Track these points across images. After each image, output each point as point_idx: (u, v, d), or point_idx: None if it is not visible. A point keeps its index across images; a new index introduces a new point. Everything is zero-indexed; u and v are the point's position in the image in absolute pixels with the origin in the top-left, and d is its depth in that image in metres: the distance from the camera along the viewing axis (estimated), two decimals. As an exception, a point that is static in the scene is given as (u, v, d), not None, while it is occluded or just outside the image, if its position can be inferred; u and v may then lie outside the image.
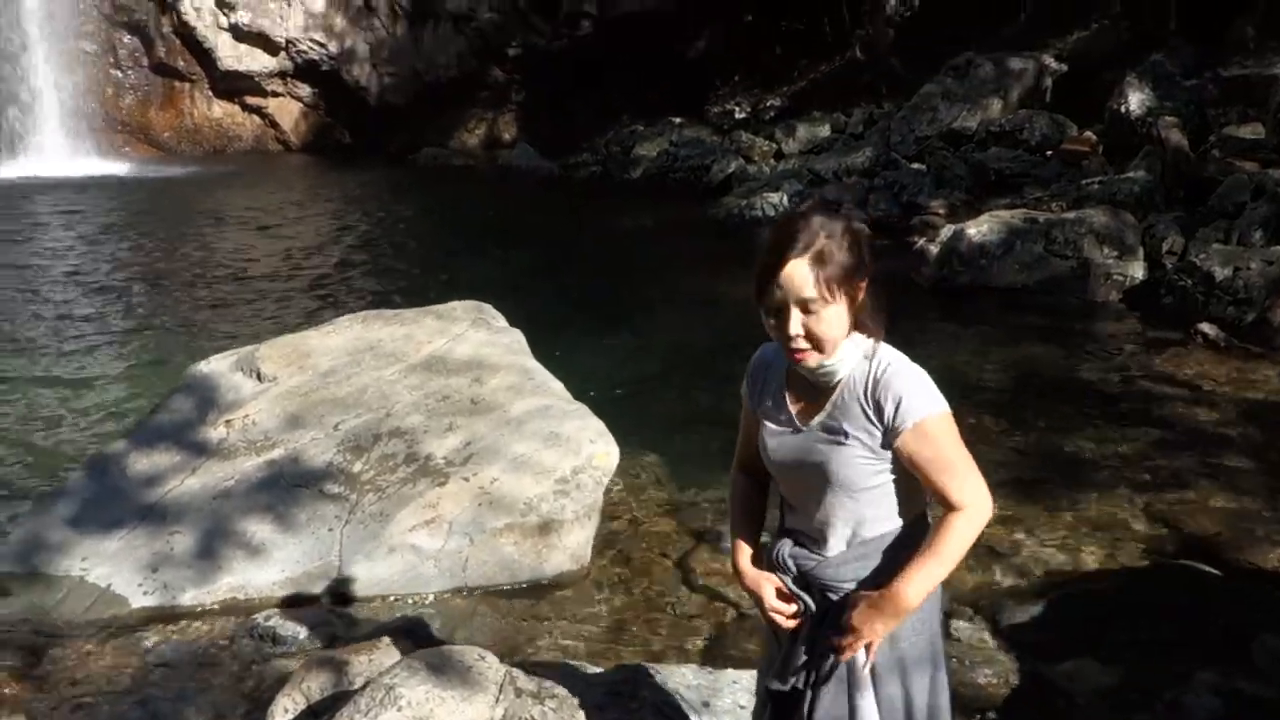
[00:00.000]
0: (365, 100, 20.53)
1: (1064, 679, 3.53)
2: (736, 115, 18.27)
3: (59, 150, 17.84)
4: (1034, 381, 6.65)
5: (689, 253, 10.93)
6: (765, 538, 2.33)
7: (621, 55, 18.82)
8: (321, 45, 20.12)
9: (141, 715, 3.43)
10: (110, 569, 4.20)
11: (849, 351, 2.08)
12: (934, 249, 9.18)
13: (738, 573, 2.31)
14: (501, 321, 5.75)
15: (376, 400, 4.97)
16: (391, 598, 4.17)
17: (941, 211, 10.82)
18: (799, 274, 1.99)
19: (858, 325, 2.07)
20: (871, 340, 2.10)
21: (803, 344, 2.04)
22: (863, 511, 2.13)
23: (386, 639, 3.71)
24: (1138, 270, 8.62)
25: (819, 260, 1.99)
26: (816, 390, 2.13)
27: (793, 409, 2.18)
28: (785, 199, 12.43)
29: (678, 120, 17.97)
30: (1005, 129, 12.46)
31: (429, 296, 5.88)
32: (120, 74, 19.55)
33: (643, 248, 11.43)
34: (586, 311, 8.41)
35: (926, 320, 8.26)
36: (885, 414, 2.05)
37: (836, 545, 2.17)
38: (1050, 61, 13.73)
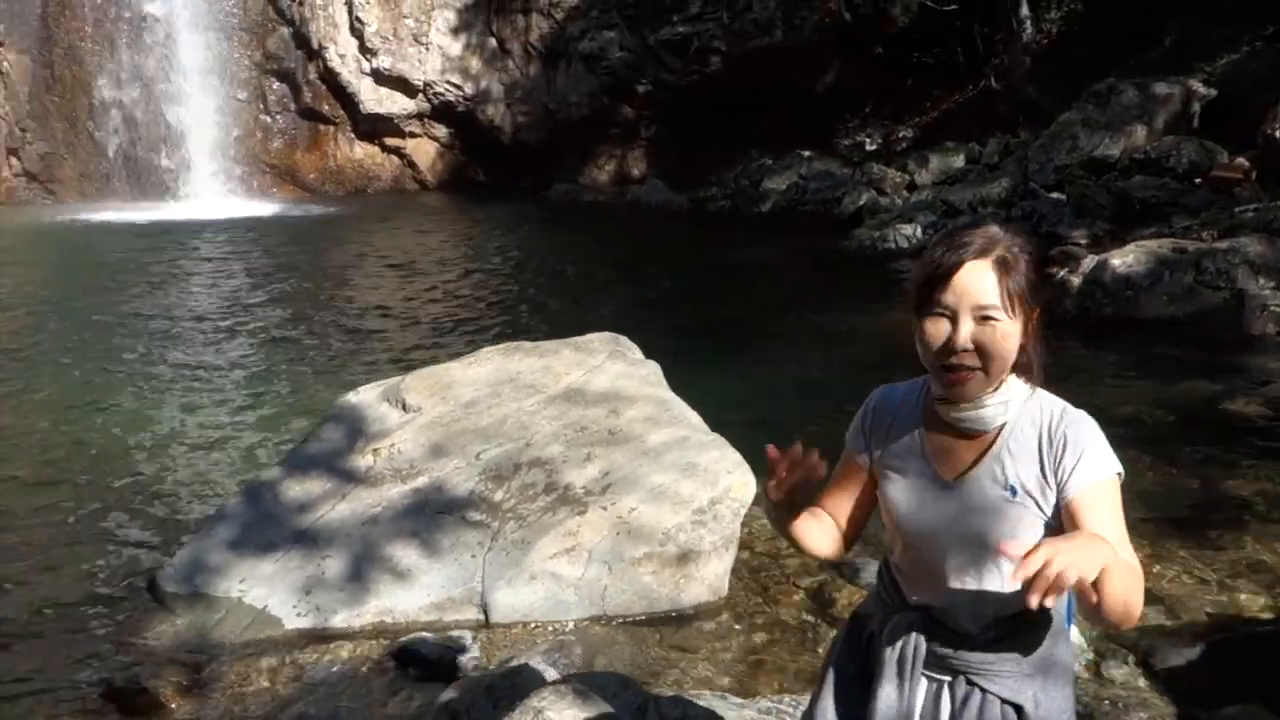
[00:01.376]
0: (499, 139, 21.05)
1: (1228, 725, 3.37)
2: (867, 147, 18.14)
3: (212, 192, 18.75)
4: (1186, 417, 6.40)
5: (820, 285, 10.87)
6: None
7: (750, 89, 18.89)
8: (458, 87, 20.73)
9: (296, 732, 3.55)
10: (266, 591, 4.37)
11: (1015, 391, 1.83)
12: (1076, 280, 8.94)
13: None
14: (638, 353, 5.81)
15: (516, 430, 5.07)
16: (532, 624, 4.23)
17: (1083, 242, 10.52)
18: (980, 277, 1.75)
19: (1017, 366, 1.82)
20: (1029, 385, 1.86)
21: (970, 361, 1.77)
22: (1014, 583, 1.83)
23: (530, 664, 3.77)
24: (1297, 301, 8.24)
25: (1002, 266, 1.76)
26: (965, 439, 1.87)
27: (935, 461, 1.89)
28: (919, 231, 12.28)
29: (807, 153, 17.92)
30: (1150, 157, 12.07)
31: (566, 329, 5.98)
32: (269, 119, 20.47)
33: (774, 280, 11.42)
34: (720, 344, 8.44)
35: (1069, 354, 8.03)
36: (1064, 465, 1.79)
37: (978, 624, 1.88)
38: (1198, 86, 13.27)
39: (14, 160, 18.46)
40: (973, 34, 17.96)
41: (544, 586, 4.31)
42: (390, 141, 21.21)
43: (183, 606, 4.36)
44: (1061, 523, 1.81)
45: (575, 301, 10.03)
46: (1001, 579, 1.85)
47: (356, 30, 20.05)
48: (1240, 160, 11.40)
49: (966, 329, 1.76)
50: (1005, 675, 1.88)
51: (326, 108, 20.59)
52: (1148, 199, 11.19)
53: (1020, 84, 16.86)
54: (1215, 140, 11.98)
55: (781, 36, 19.80)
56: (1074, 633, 3.78)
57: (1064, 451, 1.80)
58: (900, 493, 1.91)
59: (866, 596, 2.18)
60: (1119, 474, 1.83)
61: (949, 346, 1.78)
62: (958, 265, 1.76)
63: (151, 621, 4.27)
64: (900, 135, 18.19)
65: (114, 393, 7.45)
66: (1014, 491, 1.80)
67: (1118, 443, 5.85)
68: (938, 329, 1.79)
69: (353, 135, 21.01)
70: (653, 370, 5.61)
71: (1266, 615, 4.11)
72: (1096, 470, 1.80)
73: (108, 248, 13.67)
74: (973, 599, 1.88)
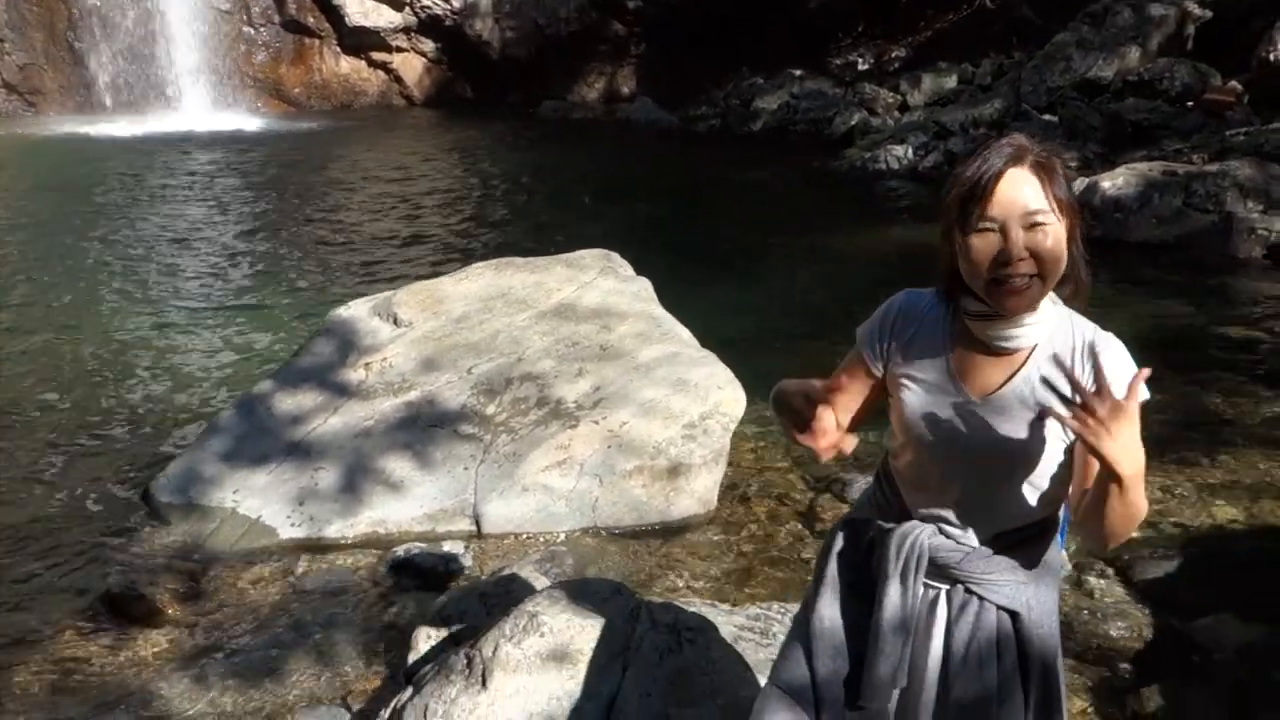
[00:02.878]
0: (487, 55, 20.72)
1: (1202, 634, 3.47)
2: (860, 67, 17.93)
3: (196, 106, 18.45)
4: (1172, 338, 6.47)
5: (811, 205, 10.85)
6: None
7: (742, 6, 18.60)
8: (445, 1, 20.33)
9: (292, 638, 3.61)
10: (260, 502, 4.41)
11: (1049, 312, 1.81)
12: (1066, 202, 8.93)
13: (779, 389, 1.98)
14: (629, 270, 5.81)
15: (508, 345, 5.09)
16: (524, 535, 4.30)
17: (1074, 164, 10.49)
18: (1023, 184, 1.73)
19: (1063, 280, 1.79)
20: (1063, 307, 1.83)
21: (1027, 268, 1.73)
22: (1025, 499, 1.87)
23: (521, 573, 3.84)
24: (1285, 225, 8.26)
25: (1041, 169, 1.74)
26: (995, 357, 1.84)
27: (962, 378, 1.86)
28: (910, 152, 12.21)
29: (798, 73, 17.72)
30: (1144, 79, 11.99)
31: (557, 245, 5.98)
32: (253, 31, 20.07)
33: (765, 200, 11.38)
34: (711, 262, 8.43)
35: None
36: (1107, 379, 1.71)
37: (985, 535, 1.91)
38: (1193, 8, 13.13)
39: (-8, 71, 18.11)
40: (969, -49, 17.67)
41: (535, 498, 4.37)
42: (377, 56, 20.85)
43: (177, 516, 4.41)
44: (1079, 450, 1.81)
45: (566, 219, 9.98)
46: (1014, 497, 1.86)
47: (341, -60, 19.59)
48: (1233, 84, 11.34)
49: (1019, 237, 1.73)
50: (1003, 584, 1.91)
51: (311, 20, 20.19)
52: (1139, 121, 11.15)
53: (1015, 4, 16.64)
54: (1209, 63, 11.90)
55: (775, -48, 19.41)
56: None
57: (1106, 367, 1.76)
58: (922, 405, 1.88)
59: (859, 502, 2.19)
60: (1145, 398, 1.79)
61: (1002, 259, 1.74)
62: (999, 175, 1.73)
63: (147, 531, 4.32)
64: (893, 55, 17.98)
65: (104, 307, 7.43)
66: (1043, 411, 1.79)
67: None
68: (987, 243, 1.75)
69: (339, 49, 20.64)
70: (644, 287, 5.62)
71: (1241, 529, 4.21)
72: (1139, 387, 1.73)
73: (92, 162, 13.49)
74: (983, 514, 1.90)
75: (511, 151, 14.89)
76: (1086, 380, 1.76)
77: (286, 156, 14.18)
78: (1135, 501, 1.71)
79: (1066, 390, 1.73)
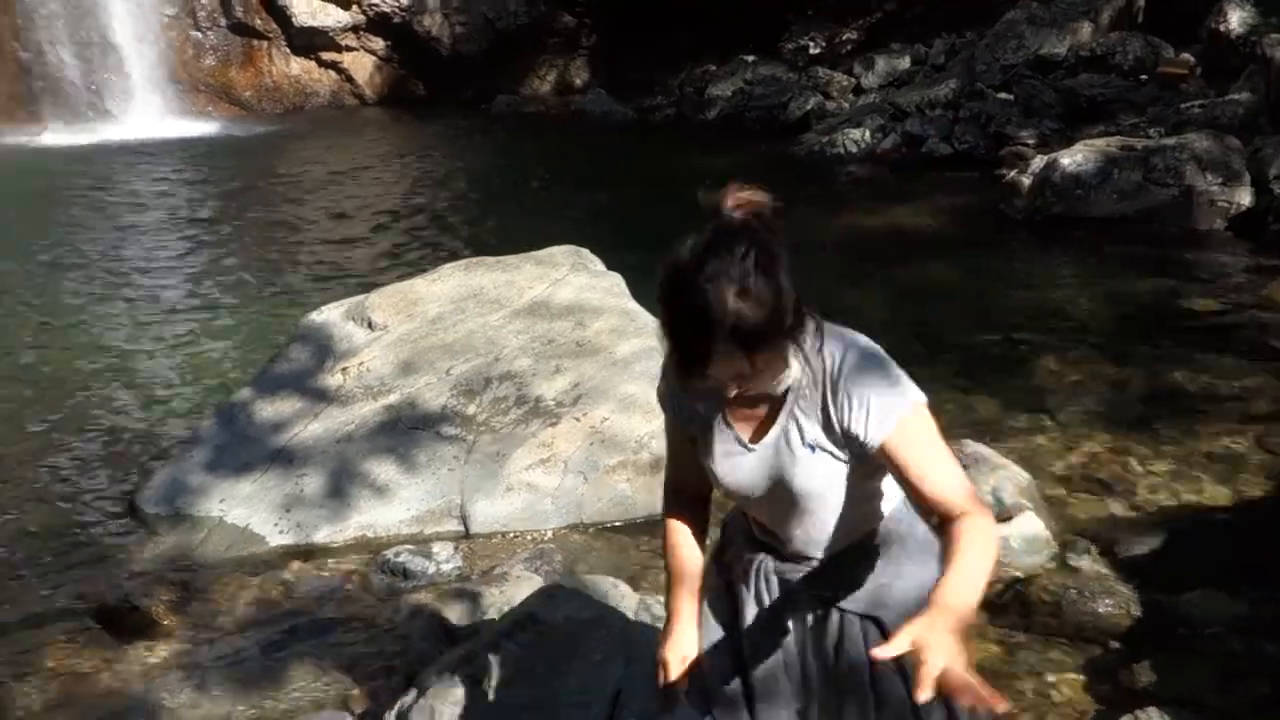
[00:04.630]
0: (438, 51, 20.58)
1: (1189, 608, 3.53)
2: (811, 51, 17.99)
3: (145, 113, 18.18)
4: (1137, 313, 6.57)
5: (772, 191, 10.86)
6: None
7: (693, -6, 18.61)
8: (394, -3, 20.17)
9: (290, 644, 3.62)
10: (247, 510, 4.40)
11: (794, 359, 1.83)
12: (1026, 180, 9.04)
13: (664, 642, 2.02)
14: (599, 265, 5.83)
15: (484, 345, 5.09)
16: (512, 534, 4.32)
17: (1031, 142, 10.62)
18: (727, 364, 1.70)
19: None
20: (809, 326, 1.81)
21: (746, 397, 1.83)
22: (848, 518, 1.93)
23: (513, 572, 3.87)
24: (1244, 197, 8.37)
25: (742, 339, 1.67)
26: (759, 401, 1.88)
27: (738, 427, 1.92)
28: (868, 135, 12.29)
29: (751, 59, 17.74)
30: (1096, 54, 12.12)
31: (522, 243, 5.97)
32: (200, 35, 19.80)
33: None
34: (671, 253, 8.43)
35: (1020, 254, 8.17)
36: (855, 422, 1.81)
37: (821, 553, 1.98)
38: (1141, -19, 13.30)
39: (-66, 83, 17.76)
40: (916, -68, 17.78)
41: (521, 497, 4.39)
42: (326, 56, 20.63)
43: (165, 527, 4.39)
44: (871, 464, 1.86)
45: (528, 215, 9.95)
46: (825, 525, 1.93)
47: (286, -61, 19.38)
48: (1185, 56, 11.51)
49: (733, 393, 1.78)
50: (859, 593, 1.96)
51: (259, 22, 19.95)
52: (1094, 97, 11.28)
53: (964, -17, 16.77)
54: (1161, 36, 12.06)
55: (724, -62, 19.44)
56: (1038, 524, 3.94)
57: (850, 409, 1.81)
58: (715, 461, 1.95)
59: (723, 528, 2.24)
60: (918, 402, 1.82)
61: (722, 393, 1.80)
62: (702, 363, 1.71)
63: (135, 543, 4.31)
64: (845, 38, 18.05)
65: (70, 322, 7.31)
66: (813, 448, 1.86)
67: (1072, 340, 6.05)
68: (701, 384, 1.78)
69: (288, 50, 20.40)
70: (616, 282, 5.64)
71: (1221, 503, 4.30)
72: (889, 417, 1.79)
73: (43, 174, 13.26)
74: (807, 540, 1.96)
75: (467, 148, 14.82)
76: (840, 416, 1.82)
77: (242, 161, 14.05)
78: (982, 578, 1.71)
79: (824, 426, 1.83)
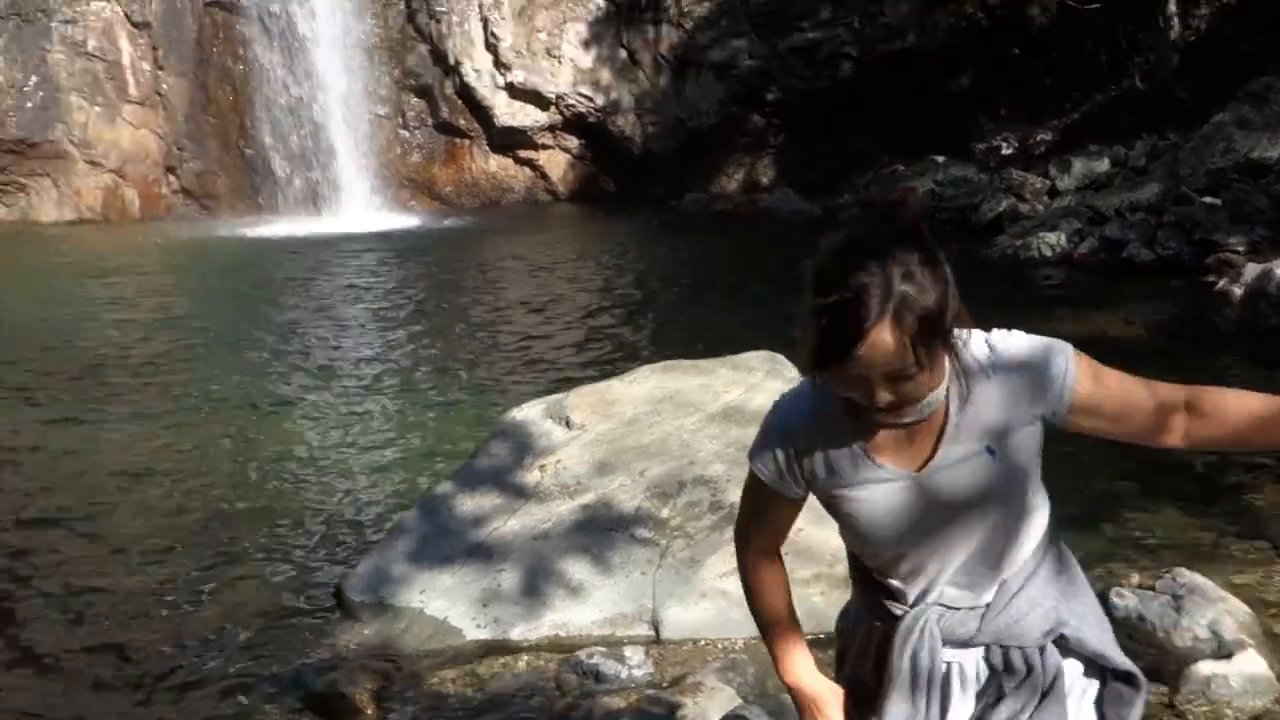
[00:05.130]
0: (630, 149, 21.26)
1: None
2: (1004, 151, 17.78)
3: (355, 206, 19.38)
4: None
5: (966, 295, 10.57)
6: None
7: (879, 94, 18.70)
8: (589, 99, 21.01)
9: (485, 742, 3.69)
10: (446, 602, 4.55)
11: (947, 370, 1.68)
12: (1237, 290, 8.65)
13: (795, 689, 1.97)
14: (794, 372, 5.83)
15: (679, 448, 5.16)
16: (703, 641, 4.31)
17: (1241, 249, 10.15)
18: (880, 346, 1.55)
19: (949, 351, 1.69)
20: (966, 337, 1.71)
21: (894, 405, 1.64)
22: (1023, 532, 1.79)
23: (706, 683, 3.86)
24: None
25: (900, 320, 1.55)
26: (907, 426, 1.72)
27: (891, 462, 1.75)
28: (1064, 239, 11.99)
29: (941, 159, 17.64)
30: (1312, 159, 11.57)
31: (713, 343, 6.07)
32: (408, 134, 21.05)
33: (915, 291, 11.26)
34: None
35: (1233, 369, 7.77)
36: (1035, 391, 1.68)
37: (995, 580, 1.80)
38: (1362, 83, 12.67)
39: (172, 178, 19.41)
40: (1115, 32, 17.43)
41: (714, 604, 4.39)
42: (523, 153, 21.60)
43: (369, 615, 4.58)
44: (1062, 427, 1.74)
45: (718, 314, 10.10)
46: (1011, 538, 1.77)
47: (491, 46, 20.49)
48: None
49: (883, 393, 1.61)
50: (1033, 622, 1.81)
51: (462, 122, 21.08)
52: (1311, 204, 10.74)
53: (1168, 83, 16.32)
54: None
55: (914, 40, 19.55)
56: (1261, 663, 3.69)
57: (1022, 380, 1.70)
58: (868, 511, 1.77)
59: (844, 613, 2.11)
60: (1066, 346, 1.74)
61: (869, 403, 1.65)
62: (854, 339, 1.55)
63: (340, 629, 4.50)
64: (1038, 139, 17.78)
65: (283, 405, 7.81)
66: (992, 451, 1.71)
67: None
68: (849, 386, 1.63)
69: (487, 148, 21.46)
70: (811, 388, 5.63)
71: None
72: (1060, 367, 1.70)
73: (261, 261, 14.29)
74: (986, 571, 1.79)
75: (658, 245, 15.18)
76: (1015, 394, 1.70)
77: (444, 254, 14.75)
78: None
79: (994, 416, 1.69)
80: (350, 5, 19.53)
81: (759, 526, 1.97)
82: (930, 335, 1.58)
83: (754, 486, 1.93)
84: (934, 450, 1.73)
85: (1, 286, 12.65)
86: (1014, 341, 1.75)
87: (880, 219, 1.69)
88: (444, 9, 20.26)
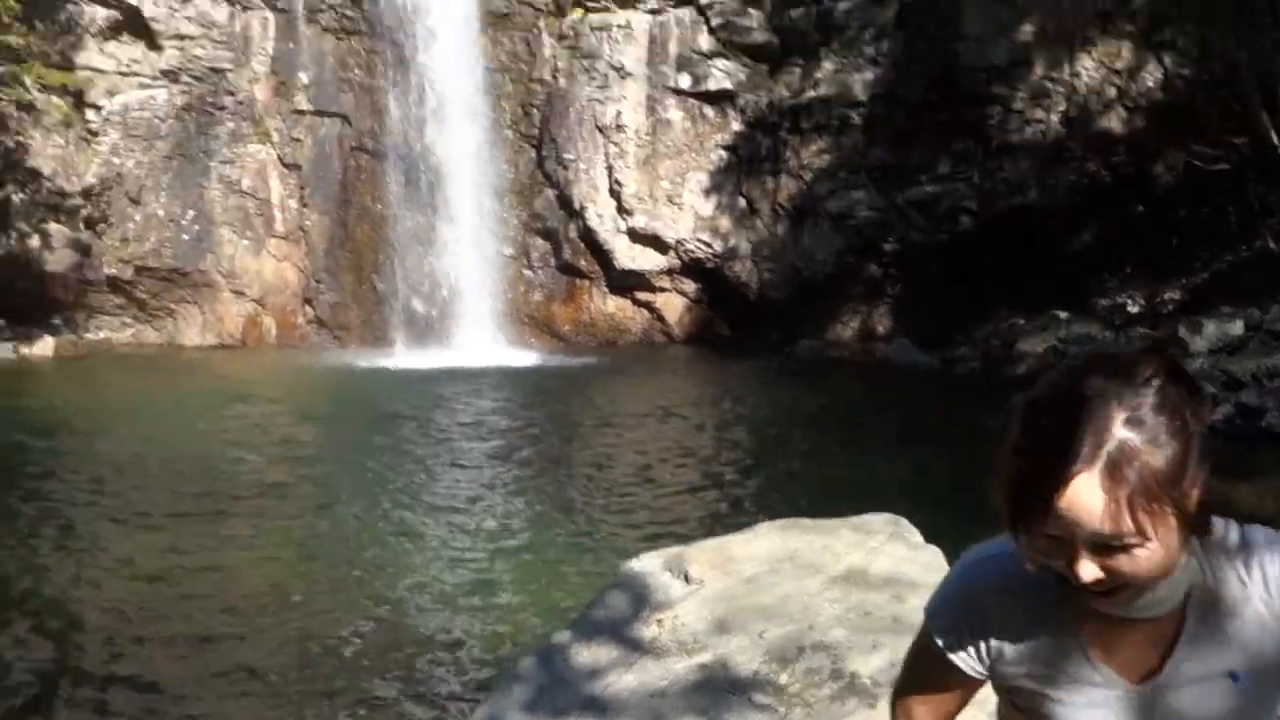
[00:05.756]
0: (746, 295, 21.54)
1: None
2: (1129, 309, 17.49)
3: (477, 341, 19.94)
4: None
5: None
6: None
7: (999, 246, 18.67)
8: (708, 245, 21.46)
9: None
10: (561, 758, 4.51)
11: (1190, 556, 1.37)
12: (1385, 467, 8.27)
13: None
14: (918, 537, 5.76)
15: (799, 611, 5.09)
16: (824, 817, 4.19)
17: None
18: (1085, 501, 1.26)
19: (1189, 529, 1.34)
20: (1218, 528, 1.41)
21: (1106, 586, 1.33)
22: None
23: None
24: None
25: (1115, 472, 1.26)
26: (1135, 621, 1.41)
27: (1108, 663, 1.45)
28: (1194, 402, 11.67)
29: (1063, 315, 17.45)
30: None
31: (831, 499, 6.04)
32: (532, 273, 21.73)
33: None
34: (997, 527, 8.21)
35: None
36: None
37: None
38: None
39: (308, 308, 20.32)
40: (1245, 192, 17.20)
41: (833, 779, 4.27)
42: (641, 295, 22.05)
43: (484, 767, 4.56)
44: None
45: (836, 469, 10.05)
46: None
47: (615, 192, 21.19)
48: None
49: (1088, 565, 1.30)
50: None
51: (584, 263, 21.69)
52: None
53: (1301, 245, 15.98)
54: None
55: (1035, 196, 19.58)
56: None
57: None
58: (1070, 713, 1.48)
59: None
60: None
61: (1071, 574, 1.33)
62: (1056, 483, 1.27)
63: (456, 778, 4.50)
64: (1165, 297, 17.47)
65: (400, 538, 7.95)
66: (1237, 677, 1.39)
67: None
68: (1050, 549, 1.33)
69: (606, 289, 21.98)
70: (934, 556, 5.54)
71: None
72: None
73: (387, 392, 14.75)
74: None
75: (773, 391, 15.22)
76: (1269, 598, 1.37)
77: (562, 392, 15.03)
78: None
79: (1251, 635, 1.37)
80: (485, 152, 20.48)
81: (922, 698, 1.70)
82: (1154, 500, 1.27)
83: (924, 650, 1.64)
84: (1162, 661, 1.43)
85: (145, 409, 13.29)
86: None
87: (1126, 354, 1.38)
88: (572, 156, 21.10)
